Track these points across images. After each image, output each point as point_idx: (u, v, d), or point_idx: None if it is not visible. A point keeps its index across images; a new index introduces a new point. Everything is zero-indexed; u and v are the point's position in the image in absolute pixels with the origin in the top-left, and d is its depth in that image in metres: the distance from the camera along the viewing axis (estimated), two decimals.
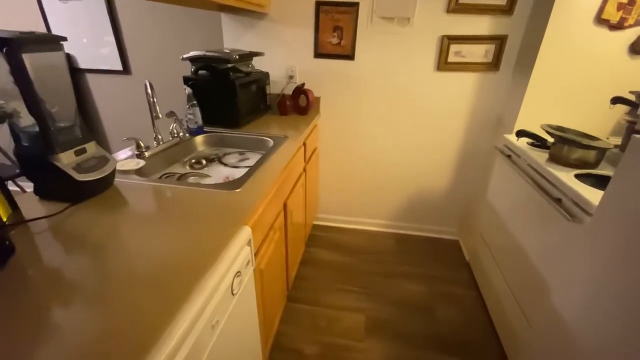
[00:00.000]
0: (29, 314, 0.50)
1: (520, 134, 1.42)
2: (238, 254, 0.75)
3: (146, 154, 1.15)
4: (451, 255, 2.01)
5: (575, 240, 0.95)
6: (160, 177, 1.13)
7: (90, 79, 2.23)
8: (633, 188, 0.75)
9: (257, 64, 1.76)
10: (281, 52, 1.82)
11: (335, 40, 1.73)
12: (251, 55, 1.65)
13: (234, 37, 1.83)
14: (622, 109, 1.41)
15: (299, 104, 1.82)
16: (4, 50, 0.62)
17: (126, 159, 1.12)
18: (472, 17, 1.58)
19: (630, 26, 1.30)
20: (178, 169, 1.23)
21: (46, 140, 0.75)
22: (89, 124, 2.37)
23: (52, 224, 0.74)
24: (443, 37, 1.64)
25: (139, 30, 2.04)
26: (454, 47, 1.66)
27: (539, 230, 1.17)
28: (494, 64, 1.66)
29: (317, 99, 1.91)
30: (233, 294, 0.73)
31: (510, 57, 1.64)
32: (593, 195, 0.94)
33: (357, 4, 1.64)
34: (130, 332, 0.48)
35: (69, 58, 2.17)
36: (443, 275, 1.83)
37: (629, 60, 1.36)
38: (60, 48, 0.75)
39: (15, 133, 0.74)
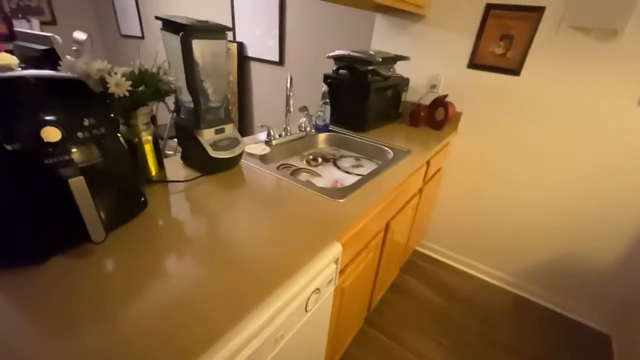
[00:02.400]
0: (146, 258, 0.59)
1: None
2: (322, 271, 0.70)
3: (273, 142, 1.22)
4: (592, 351, 1.48)
5: None
6: (278, 167, 1.19)
7: (253, 66, 2.58)
8: None
9: (400, 68, 1.66)
10: (429, 58, 1.66)
11: (500, 51, 1.46)
12: (396, 59, 1.55)
13: (384, 39, 1.77)
14: None
15: (435, 116, 1.63)
16: (180, 35, 0.72)
17: (257, 143, 1.22)
18: None
19: None
20: (296, 162, 1.27)
21: (196, 117, 0.86)
22: (243, 104, 2.76)
23: (185, 187, 0.85)
24: None
25: (299, 26, 2.22)
26: None
27: None
28: None
29: (458, 115, 1.67)
30: (306, 311, 0.69)
31: None
32: None
33: (542, 9, 1.32)
34: (202, 315, 0.49)
35: (242, 46, 2.56)
36: None
37: None
38: (224, 37, 0.83)
39: (177, 105, 0.88)
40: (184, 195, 0.82)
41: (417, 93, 1.74)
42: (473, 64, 1.55)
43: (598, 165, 1.40)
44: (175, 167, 0.95)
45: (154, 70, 0.76)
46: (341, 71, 1.48)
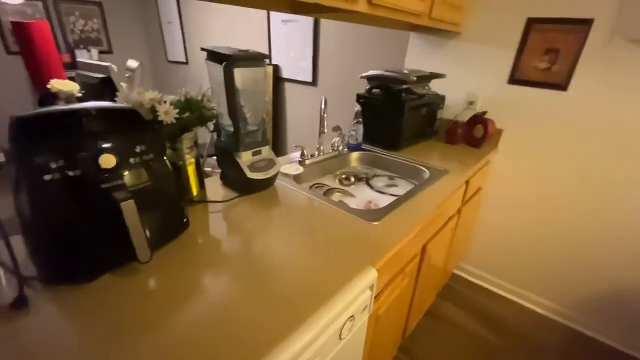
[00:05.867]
0: (187, 276, 0.62)
1: None
2: (356, 298, 0.68)
3: (307, 162, 1.24)
4: None
5: None
6: (311, 187, 1.20)
7: (287, 87, 2.66)
8: None
9: (435, 85, 1.63)
10: (466, 74, 1.62)
11: (543, 65, 1.39)
12: (431, 77, 1.53)
13: (418, 57, 1.76)
14: None
15: (473, 134, 1.57)
16: (223, 64, 0.76)
17: (291, 162, 1.24)
18: None
19: None
20: (328, 181, 1.27)
21: (235, 140, 0.89)
22: (277, 124, 2.84)
23: (223, 207, 0.88)
24: None
25: (332, 48, 2.27)
26: None
27: None
28: None
29: (498, 131, 1.59)
30: (340, 339, 0.67)
31: None
32: None
33: (590, 21, 1.25)
34: (240, 335, 0.50)
35: (277, 68, 2.66)
36: None
37: None
38: (263, 64, 0.87)
39: (218, 129, 0.93)
40: (222, 215, 0.85)
41: (453, 110, 1.69)
42: (514, 79, 1.49)
43: None
44: (214, 187, 0.99)
45: (199, 97, 0.81)
46: (374, 90, 1.49)
